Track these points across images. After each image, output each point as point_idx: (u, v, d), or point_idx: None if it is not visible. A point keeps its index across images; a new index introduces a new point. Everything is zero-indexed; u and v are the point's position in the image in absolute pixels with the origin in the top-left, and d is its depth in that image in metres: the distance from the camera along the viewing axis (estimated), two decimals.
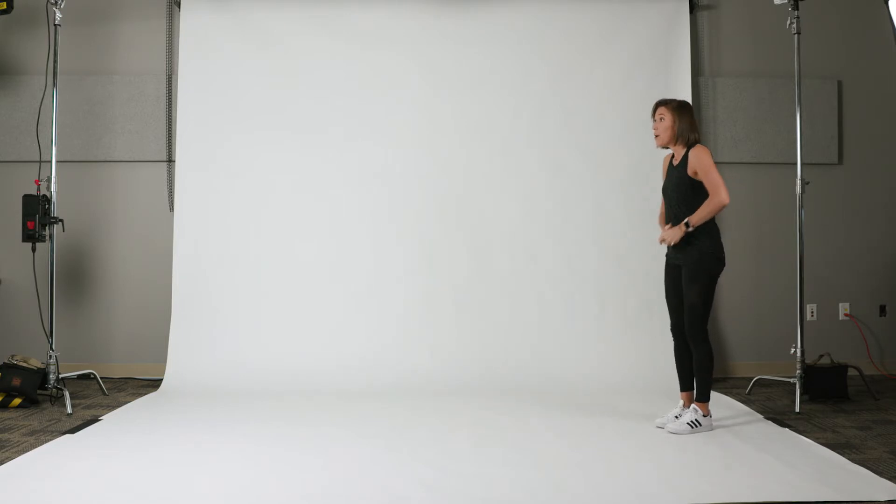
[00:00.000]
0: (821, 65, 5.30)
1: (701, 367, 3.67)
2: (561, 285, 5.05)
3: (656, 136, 3.74)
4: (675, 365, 3.85)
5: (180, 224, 5.06)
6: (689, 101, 5.12)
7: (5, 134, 5.14)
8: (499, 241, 5.05)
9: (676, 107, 3.70)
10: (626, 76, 5.15)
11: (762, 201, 5.31)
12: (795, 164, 4.49)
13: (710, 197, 3.57)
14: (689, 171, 3.63)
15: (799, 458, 3.24)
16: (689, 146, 3.68)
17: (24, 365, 4.29)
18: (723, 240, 3.69)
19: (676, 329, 3.81)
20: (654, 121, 3.75)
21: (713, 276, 3.64)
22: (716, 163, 5.24)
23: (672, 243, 3.67)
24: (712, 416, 3.76)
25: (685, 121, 3.69)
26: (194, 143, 5.07)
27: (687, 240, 3.63)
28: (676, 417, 3.74)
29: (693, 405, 3.71)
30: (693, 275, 3.63)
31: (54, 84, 4.52)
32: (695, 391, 3.73)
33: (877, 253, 5.36)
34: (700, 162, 3.59)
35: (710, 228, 3.64)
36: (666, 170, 3.85)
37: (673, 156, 3.79)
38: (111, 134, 5.19)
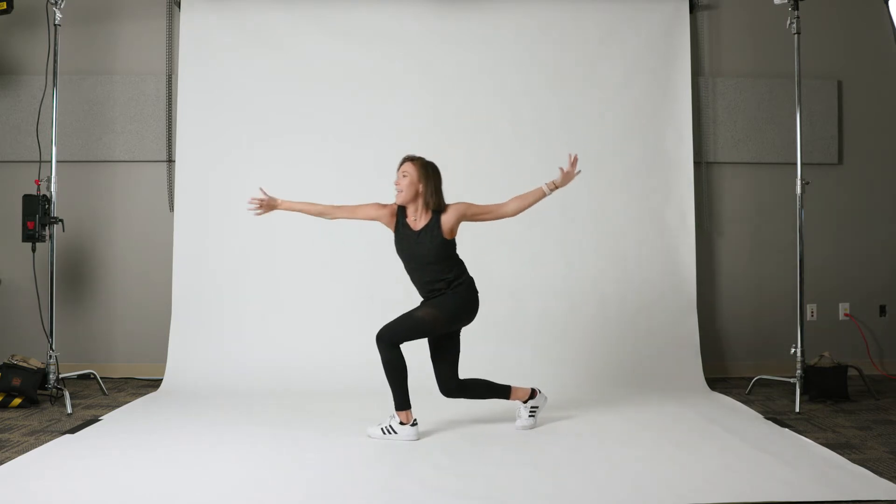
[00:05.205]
0: (821, 65, 5.30)
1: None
2: (560, 285, 5.05)
3: (399, 192, 3.57)
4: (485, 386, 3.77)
5: (180, 224, 5.06)
6: (689, 103, 5.12)
7: (5, 134, 5.14)
8: (499, 241, 5.05)
9: (423, 165, 3.57)
10: (626, 76, 5.15)
11: (762, 201, 5.31)
12: (795, 164, 4.49)
13: (509, 202, 3.62)
14: (447, 233, 3.55)
15: (799, 458, 3.24)
16: (434, 211, 3.56)
17: (24, 365, 4.29)
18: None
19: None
20: (398, 176, 3.59)
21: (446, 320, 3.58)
22: (715, 163, 5.29)
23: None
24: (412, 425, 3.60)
25: (431, 181, 3.56)
26: (194, 143, 5.07)
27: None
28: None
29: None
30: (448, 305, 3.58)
31: (54, 84, 4.52)
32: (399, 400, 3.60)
33: (877, 253, 5.36)
34: (466, 210, 3.57)
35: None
36: (392, 226, 3.63)
37: (404, 217, 3.61)
38: (111, 134, 5.19)
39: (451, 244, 3.62)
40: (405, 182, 3.56)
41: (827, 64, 5.33)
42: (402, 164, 3.62)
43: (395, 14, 5.14)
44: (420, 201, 3.58)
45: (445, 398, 3.72)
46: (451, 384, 3.67)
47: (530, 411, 3.80)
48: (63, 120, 4.93)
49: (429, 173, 3.58)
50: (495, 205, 3.65)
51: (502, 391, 3.76)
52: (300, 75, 5.11)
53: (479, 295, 3.70)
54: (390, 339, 3.53)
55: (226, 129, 5.09)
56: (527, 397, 3.80)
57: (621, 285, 5.06)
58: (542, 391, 3.89)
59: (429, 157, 3.60)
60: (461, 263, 3.68)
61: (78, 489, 2.87)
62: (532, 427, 3.78)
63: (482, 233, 5.06)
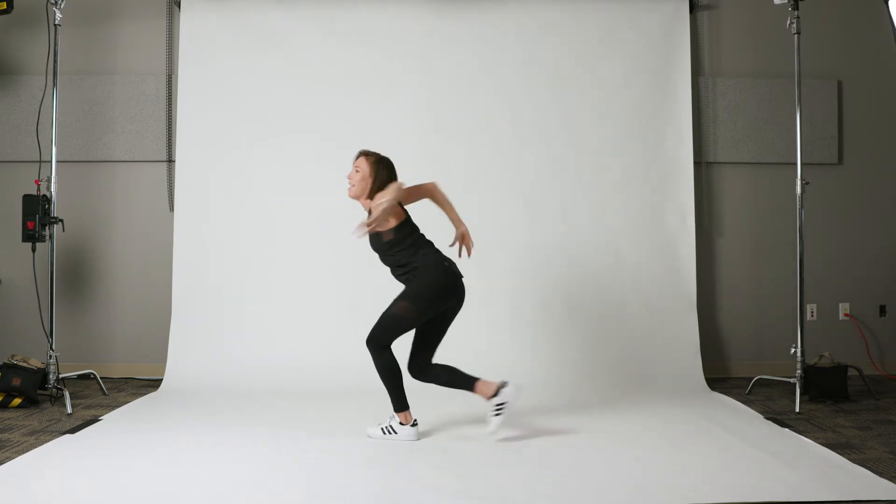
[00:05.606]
0: (821, 65, 5.30)
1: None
2: (560, 285, 5.05)
3: (350, 186, 3.56)
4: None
5: (180, 224, 5.06)
6: (689, 103, 5.12)
7: (5, 134, 5.14)
8: (499, 242, 5.05)
9: (376, 161, 3.53)
10: (627, 76, 5.15)
11: (762, 201, 5.31)
12: (795, 164, 4.49)
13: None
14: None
15: (799, 458, 3.24)
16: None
17: (24, 365, 4.29)
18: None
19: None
20: (352, 170, 3.58)
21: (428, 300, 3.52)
22: (715, 163, 5.29)
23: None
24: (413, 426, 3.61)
25: (382, 177, 3.51)
26: (194, 143, 5.07)
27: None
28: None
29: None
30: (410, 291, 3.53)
31: (54, 84, 4.52)
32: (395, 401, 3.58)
33: (877, 253, 5.36)
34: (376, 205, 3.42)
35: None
36: None
37: (370, 213, 3.59)
38: (111, 134, 5.19)
39: (383, 235, 3.52)
40: (357, 177, 3.56)
41: (827, 64, 5.33)
42: (356, 158, 3.61)
43: (395, 14, 5.14)
44: (372, 195, 3.56)
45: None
46: (422, 364, 3.62)
47: (495, 410, 3.48)
48: (63, 120, 4.93)
49: (380, 169, 3.55)
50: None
51: (467, 382, 3.56)
52: (300, 75, 5.11)
53: (448, 277, 3.56)
54: (378, 342, 3.53)
55: (226, 129, 5.09)
56: (491, 394, 3.50)
57: (621, 285, 5.06)
58: (510, 384, 3.52)
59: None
60: (413, 248, 3.55)
61: (78, 489, 2.87)
62: (501, 426, 3.49)
63: (481, 232, 5.07)
